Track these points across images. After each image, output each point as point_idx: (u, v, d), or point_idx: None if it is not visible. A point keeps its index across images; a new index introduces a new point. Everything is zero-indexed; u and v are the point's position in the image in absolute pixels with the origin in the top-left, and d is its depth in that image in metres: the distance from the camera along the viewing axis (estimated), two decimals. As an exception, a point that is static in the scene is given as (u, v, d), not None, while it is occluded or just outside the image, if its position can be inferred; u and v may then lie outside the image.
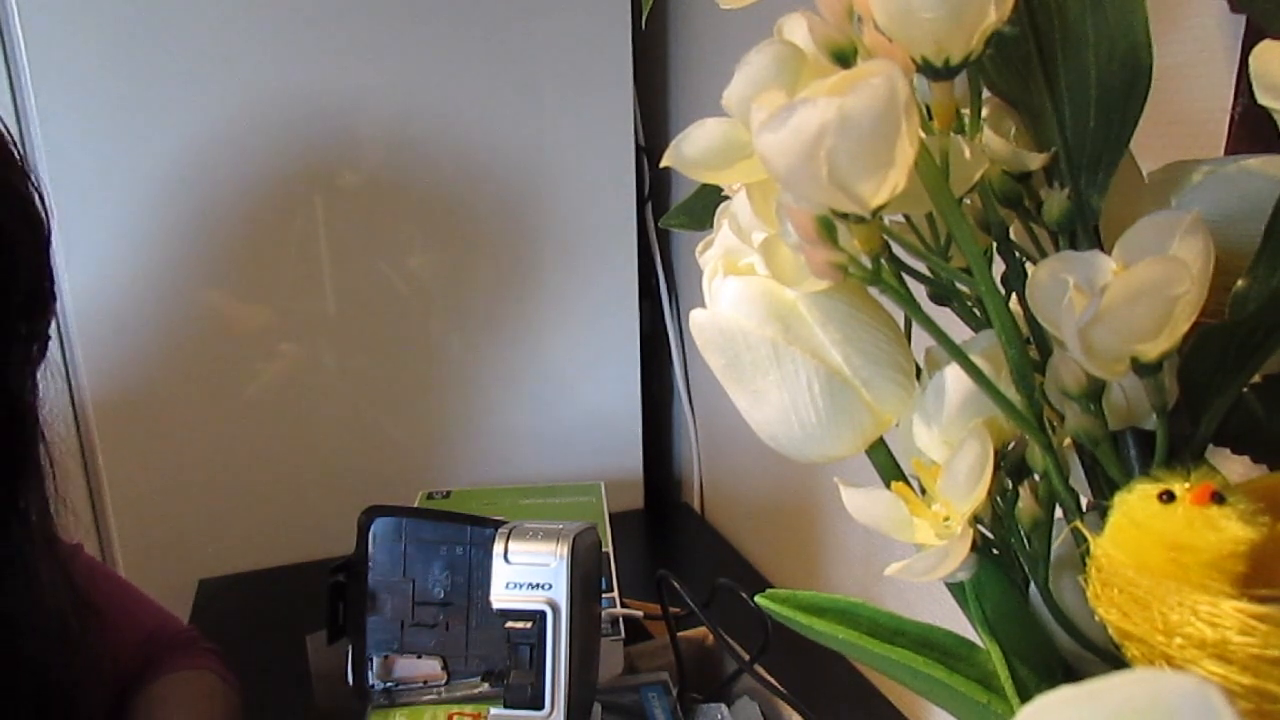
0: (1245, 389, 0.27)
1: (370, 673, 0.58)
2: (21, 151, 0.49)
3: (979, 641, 0.30)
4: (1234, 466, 0.28)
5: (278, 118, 0.97)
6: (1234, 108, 0.46)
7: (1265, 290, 0.25)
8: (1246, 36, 0.45)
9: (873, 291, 0.27)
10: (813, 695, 0.63)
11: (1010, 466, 0.29)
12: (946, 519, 0.27)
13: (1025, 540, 0.28)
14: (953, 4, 0.23)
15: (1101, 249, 0.27)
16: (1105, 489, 0.28)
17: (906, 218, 0.30)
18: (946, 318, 0.28)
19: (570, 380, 1.17)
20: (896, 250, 0.27)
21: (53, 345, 0.95)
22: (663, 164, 0.28)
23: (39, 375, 0.52)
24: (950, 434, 0.27)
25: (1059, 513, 0.28)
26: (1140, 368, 0.24)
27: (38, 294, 0.50)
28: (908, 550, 0.28)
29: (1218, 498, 0.21)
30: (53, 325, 0.53)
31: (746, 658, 0.64)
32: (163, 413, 1.01)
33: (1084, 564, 0.24)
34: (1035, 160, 0.28)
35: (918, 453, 0.28)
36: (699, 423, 1.25)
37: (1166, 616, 0.21)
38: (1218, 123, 0.47)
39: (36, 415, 0.52)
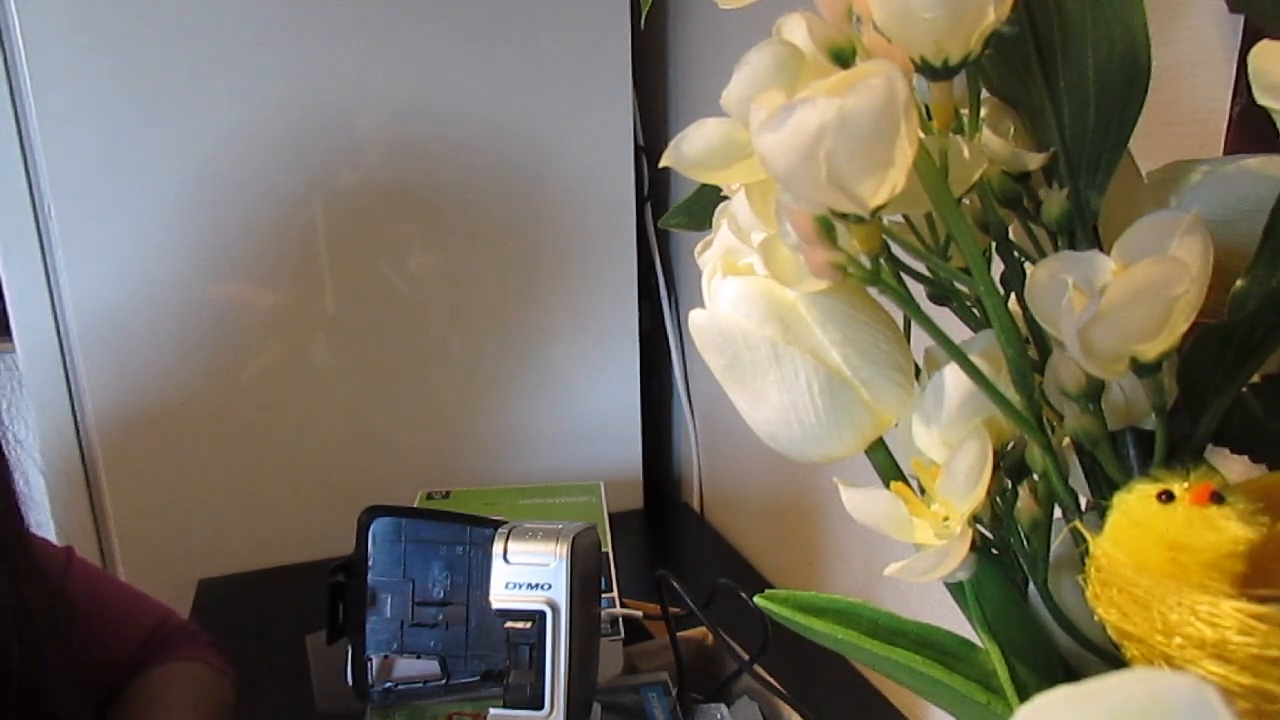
0: (1245, 389, 0.27)
1: (370, 673, 0.58)
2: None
3: (979, 641, 0.30)
4: (1234, 466, 0.28)
5: (277, 119, 0.97)
6: (1233, 108, 0.46)
7: (1264, 290, 0.25)
8: (1245, 36, 0.45)
9: (872, 291, 0.27)
10: (813, 695, 0.63)
11: (1010, 466, 0.29)
12: (946, 519, 0.27)
13: (1025, 540, 0.28)
14: (952, 4, 0.23)
15: (1101, 249, 0.27)
16: (1105, 489, 0.28)
17: (906, 218, 0.30)
18: (946, 318, 0.28)
19: (570, 380, 1.17)
20: (896, 250, 0.27)
21: (53, 347, 0.96)
22: (662, 164, 0.27)
23: None
24: (950, 434, 0.27)
25: (1059, 513, 0.28)
26: (1139, 368, 0.24)
27: None
28: (908, 550, 0.28)
29: (1217, 498, 0.21)
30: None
31: (746, 658, 0.64)
32: (163, 413, 1.01)
33: (1083, 564, 0.24)
34: (1034, 160, 0.28)
35: (917, 453, 0.28)
36: (699, 423, 1.25)
37: (1166, 616, 0.21)
38: (1217, 123, 0.47)
39: None
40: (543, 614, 0.52)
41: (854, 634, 0.31)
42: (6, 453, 0.53)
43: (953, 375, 0.27)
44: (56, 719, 0.53)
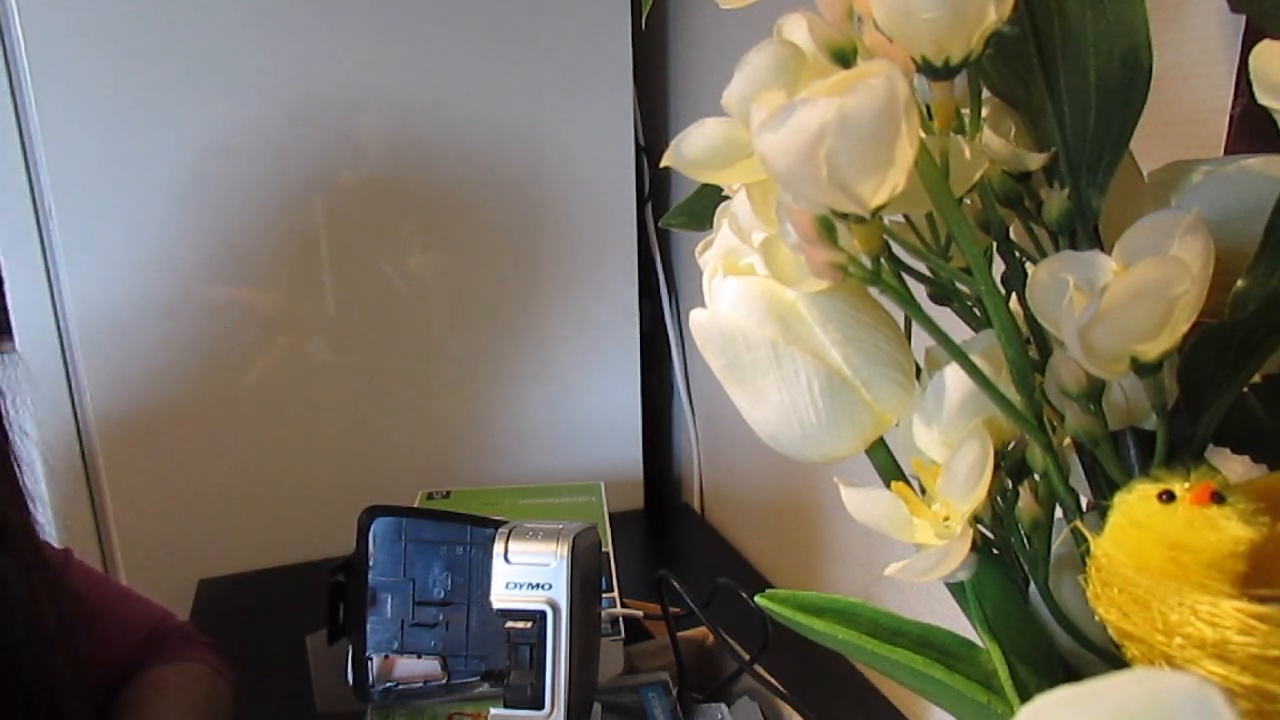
0: (1245, 389, 0.27)
1: (370, 673, 0.58)
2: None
3: (979, 641, 0.30)
4: (1234, 466, 0.28)
5: (277, 118, 0.97)
6: (1234, 108, 0.46)
7: (1265, 290, 0.25)
8: (1246, 36, 0.45)
9: (873, 291, 0.27)
10: (813, 695, 0.63)
11: (1010, 466, 0.29)
12: (946, 519, 0.27)
13: (1025, 540, 0.28)
14: (953, 4, 0.23)
15: (1101, 249, 0.27)
16: (1105, 489, 0.28)
17: (906, 218, 0.30)
18: (946, 318, 0.28)
19: (570, 380, 1.17)
20: (896, 250, 0.27)
21: (53, 347, 0.96)
22: (663, 164, 0.28)
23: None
24: (950, 434, 0.27)
25: (1059, 513, 0.28)
26: (1140, 368, 0.24)
27: None
28: (908, 550, 0.28)
29: (1218, 498, 0.21)
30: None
31: (746, 658, 0.64)
32: (163, 413, 1.01)
33: (1084, 564, 0.24)
34: (1035, 160, 0.28)
35: (918, 453, 0.28)
36: (699, 423, 1.25)
37: (1166, 616, 0.21)
38: (1218, 123, 0.47)
39: (2, 411, 0.51)
40: (543, 614, 0.52)
41: (854, 634, 0.31)
42: (15, 449, 0.53)
43: (953, 375, 0.27)
44: (61, 718, 0.53)
